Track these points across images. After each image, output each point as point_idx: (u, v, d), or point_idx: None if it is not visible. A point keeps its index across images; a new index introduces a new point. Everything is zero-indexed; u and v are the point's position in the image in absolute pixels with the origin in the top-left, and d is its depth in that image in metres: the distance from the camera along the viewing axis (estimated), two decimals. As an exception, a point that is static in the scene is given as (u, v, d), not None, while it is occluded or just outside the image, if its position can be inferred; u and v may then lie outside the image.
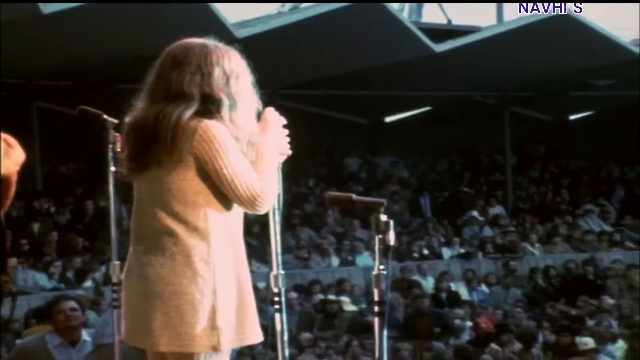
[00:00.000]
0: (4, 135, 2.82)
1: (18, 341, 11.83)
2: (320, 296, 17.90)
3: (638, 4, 24.86)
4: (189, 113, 3.73)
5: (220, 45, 3.89)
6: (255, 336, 3.91)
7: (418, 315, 16.34)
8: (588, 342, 13.67)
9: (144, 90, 3.86)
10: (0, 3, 15.16)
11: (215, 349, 3.78)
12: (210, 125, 3.72)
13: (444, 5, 24.35)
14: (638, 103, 24.98)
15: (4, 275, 2.80)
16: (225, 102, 3.79)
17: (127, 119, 3.89)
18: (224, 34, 16.90)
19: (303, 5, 22.34)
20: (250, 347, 12.10)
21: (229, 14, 17.79)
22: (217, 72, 3.80)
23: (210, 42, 3.88)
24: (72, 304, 7.93)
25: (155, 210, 3.81)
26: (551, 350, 13.64)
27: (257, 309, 4.01)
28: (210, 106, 3.77)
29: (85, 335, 7.91)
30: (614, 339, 14.52)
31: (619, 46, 21.52)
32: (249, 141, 3.82)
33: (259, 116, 4.00)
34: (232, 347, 3.87)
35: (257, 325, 3.92)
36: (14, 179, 2.89)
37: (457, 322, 16.28)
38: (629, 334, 14.53)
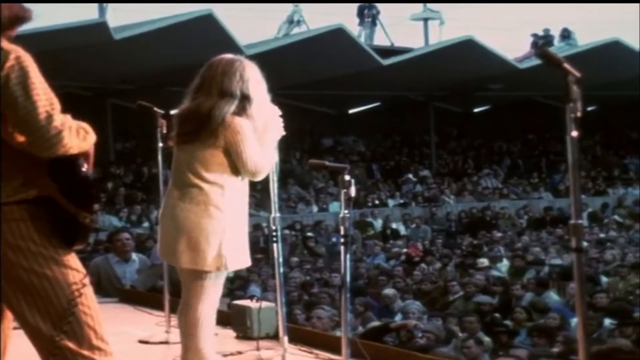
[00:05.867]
0: (83, 124, 2.78)
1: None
2: (307, 233, 17.88)
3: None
4: (232, 109, 3.72)
5: (250, 61, 3.88)
6: (246, 262, 3.91)
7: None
8: (484, 261, 13.70)
9: (198, 87, 3.81)
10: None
11: (219, 269, 3.79)
12: (239, 122, 3.72)
13: (389, 32, 24.32)
14: (519, 100, 25.09)
15: (92, 215, 2.78)
16: (255, 101, 3.79)
17: (184, 106, 3.84)
18: (237, 53, 16.81)
19: (292, 32, 22.24)
20: (257, 266, 12.09)
21: (241, 38, 17.74)
22: (251, 80, 3.80)
23: (244, 58, 3.88)
24: (127, 234, 7.93)
25: (188, 172, 3.79)
26: (460, 267, 13.68)
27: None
28: (245, 102, 3.75)
29: (134, 255, 7.76)
30: (501, 259, 14.58)
31: (506, 62, 21.57)
32: (264, 125, 3.84)
33: None
34: (231, 269, 3.87)
35: (248, 254, 3.90)
36: (92, 151, 2.86)
37: (396, 249, 16.29)
38: (511, 256, 14.63)
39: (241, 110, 3.75)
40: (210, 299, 3.83)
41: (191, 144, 3.77)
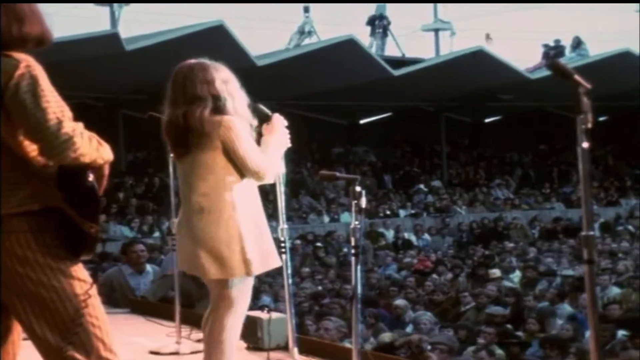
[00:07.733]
0: (96, 136, 2.77)
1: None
2: (318, 243, 17.83)
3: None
4: (207, 110, 3.65)
5: (212, 62, 3.81)
6: (274, 262, 3.84)
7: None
8: (496, 272, 13.62)
9: (169, 99, 3.78)
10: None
11: (248, 274, 3.72)
12: (230, 120, 3.66)
13: (400, 43, 24.36)
14: (530, 110, 25.03)
15: (98, 226, 2.77)
16: (229, 99, 3.71)
17: (164, 120, 3.80)
18: (248, 64, 16.85)
19: (303, 43, 22.26)
20: (268, 276, 12.05)
21: (252, 48, 17.72)
22: (217, 80, 3.73)
23: (205, 60, 3.81)
24: (141, 246, 7.86)
25: (194, 181, 3.72)
26: (472, 278, 13.61)
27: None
28: (219, 103, 3.68)
29: (148, 267, 7.73)
30: (513, 270, 14.50)
31: (516, 72, 21.54)
32: (249, 123, 3.77)
33: (268, 120, 3.94)
34: (259, 272, 3.80)
35: (275, 254, 3.84)
36: (106, 171, 2.84)
37: (408, 259, 16.22)
38: (522, 266, 14.56)
39: (219, 110, 3.68)
40: (238, 308, 3.77)
41: (188, 153, 3.71)
